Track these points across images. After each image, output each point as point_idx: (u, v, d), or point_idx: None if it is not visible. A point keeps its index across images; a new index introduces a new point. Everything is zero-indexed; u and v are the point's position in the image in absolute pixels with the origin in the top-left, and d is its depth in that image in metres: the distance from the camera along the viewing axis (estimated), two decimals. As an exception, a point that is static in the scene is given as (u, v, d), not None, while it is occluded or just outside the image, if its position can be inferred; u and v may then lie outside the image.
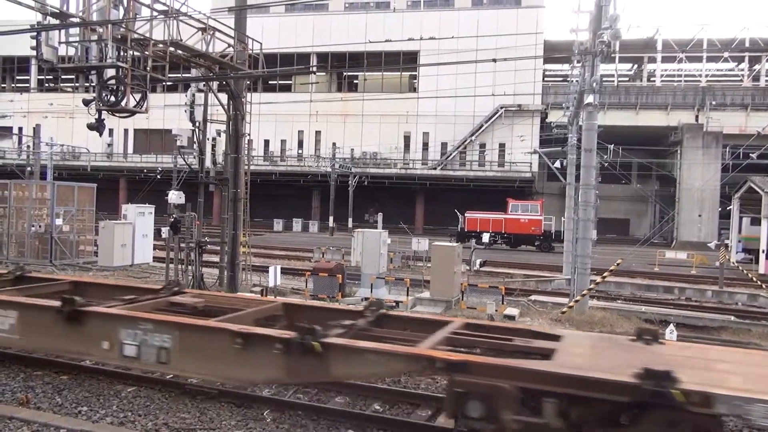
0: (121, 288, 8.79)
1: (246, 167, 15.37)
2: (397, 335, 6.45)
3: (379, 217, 43.20)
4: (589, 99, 14.64)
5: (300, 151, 53.74)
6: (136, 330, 6.15)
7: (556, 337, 6.20)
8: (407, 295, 14.86)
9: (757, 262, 29.30)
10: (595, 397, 4.66)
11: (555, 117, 42.98)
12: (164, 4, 12.18)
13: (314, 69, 52.38)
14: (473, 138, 49.82)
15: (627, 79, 57.93)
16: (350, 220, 48.02)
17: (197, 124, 14.79)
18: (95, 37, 11.17)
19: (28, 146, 46.97)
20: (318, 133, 53.22)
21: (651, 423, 4.58)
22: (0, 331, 6.80)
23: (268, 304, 7.61)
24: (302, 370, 5.64)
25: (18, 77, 61.33)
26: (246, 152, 15.47)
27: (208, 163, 15.07)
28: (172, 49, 12.15)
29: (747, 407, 4.33)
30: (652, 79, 51.82)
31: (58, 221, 20.50)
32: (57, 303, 6.53)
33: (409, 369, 5.50)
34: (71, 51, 11.44)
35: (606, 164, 34.89)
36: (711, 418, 4.49)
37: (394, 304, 14.30)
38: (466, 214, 38.86)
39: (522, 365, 4.97)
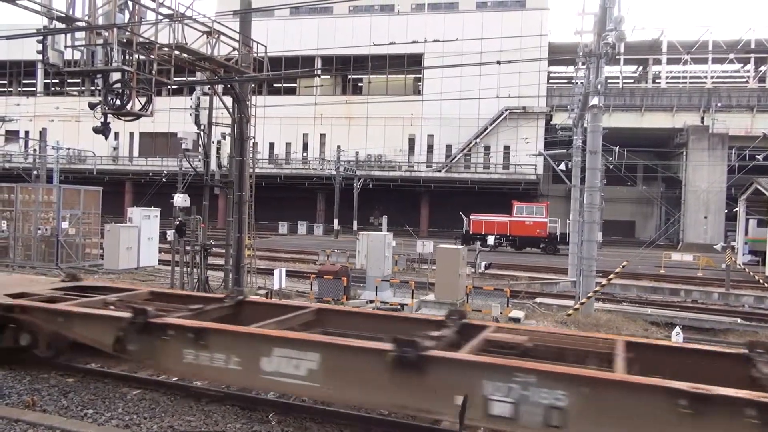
0: (383, 318, 7.53)
1: (251, 170, 15.40)
2: None
3: (384, 219, 43.25)
4: (594, 101, 14.62)
5: (305, 154, 53.83)
6: (509, 383, 4.86)
7: None
8: (412, 297, 14.86)
9: (763, 264, 29.16)
10: None
11: (560, 119, 42.95)
12: (169, 7, 12.22)
13: (319, 72, 52.51)
14: (478, 140, 49.82)
15: (632, 80, 57.87)
16: (355, 222, 48.05)
17: (202, 127, 14.83)
18: (101, 41, 11.23)
19: (35, 150, 47.15)
20: (323, 135, 53.32)
21: None
22: (291, 377, 5.57)
23: (605, 342, 6.03)
24: None
25: (24, 81, 61.73)
26: (251, 155, 15.51)
27: (213, 166, 15.11)
28: (177, 52, 12.20)
29: None
30: (657, 80, 51.72)
31: (64, 224, 20.58)
32: (388, 345, 5.28)
33: None
34: (77, 55, 11.51)
35: (611, 166, 34.81)
36: None
37: (399, 306, 14.30)
38: (470, 217, 38.83)
39: None
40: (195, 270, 14.69)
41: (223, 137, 15.84)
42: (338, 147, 49.37)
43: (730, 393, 4.26)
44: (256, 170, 17.65)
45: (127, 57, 11.42)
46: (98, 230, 22.36)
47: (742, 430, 4.12)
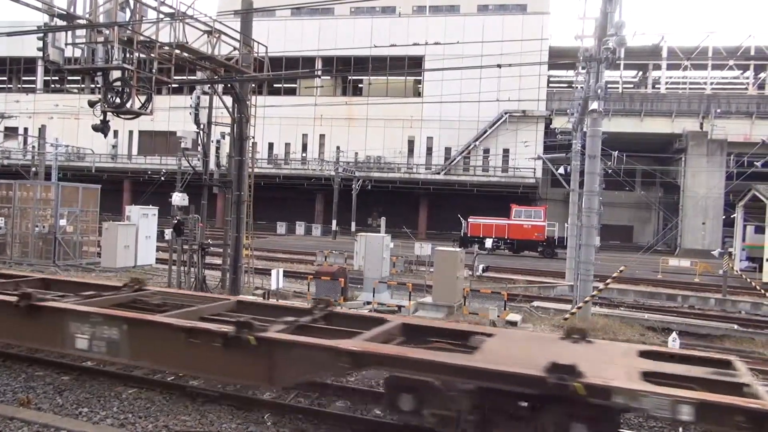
0: None
1: (250, 170, 15.40)
2: None
3: (382, 221, 43.31)
4: (594, 105, 14.62)
5: (304, 155, 53.82)
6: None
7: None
8: (409, 299, 14.84)
9: (760, 270, 29.18)
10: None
11: (559, 123, 42.95)
12: (170, 6, 12.23)
13: (319, 72, 52.53)
14: (477, 143, 49.84)
15: (632, 86, 57.93)
16: (353, 224, 48.04)
17: (202, 126, 14.83)
18: (102, 39, 11.23)
19: (33, 147, 47.14)
20: (322, 136, 53.32)
21: None
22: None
23: None
24: None
25: (24, 78, 61.60)
26: (250, 155, 15.50)
27: (212, 165, 15.11)
28: (177, 51, 12.19)
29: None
30: (657, 86, 51.79)
31: (62, 222, 20.55)
32: None
33: None
34: (77, 52, 11.50)
35: (610, 171, 34.81)
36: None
37: (396, 308, 14.28)
38: (469, 220, 38.84)
39: None
40: (192, 269, 14.67)
41: (223, 137, 15.85)
42: (337, 148, 49.36)
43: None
44: (255, 170, 17.63)
45: (128, 55, 11.42)
46: (96, 228, 22.34)
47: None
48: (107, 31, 11.17)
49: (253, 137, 15.37)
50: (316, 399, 7.10)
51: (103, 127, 11.93)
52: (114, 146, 55.33)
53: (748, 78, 51.38)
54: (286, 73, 45.02)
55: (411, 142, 51.82)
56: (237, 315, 7.05)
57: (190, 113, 14.84)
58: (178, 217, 14.57)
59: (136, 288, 8.18)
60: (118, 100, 11.53)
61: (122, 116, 12.11)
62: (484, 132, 49.51)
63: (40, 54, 11.22)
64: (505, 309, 14.13)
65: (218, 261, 17.21)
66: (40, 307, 6.73)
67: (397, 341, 6.41)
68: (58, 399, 6.81)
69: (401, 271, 24.02)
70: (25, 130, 55.75)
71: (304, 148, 53.93)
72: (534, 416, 5.03)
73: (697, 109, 47.74)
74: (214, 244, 16.33)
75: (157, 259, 22.02)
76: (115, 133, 53.14)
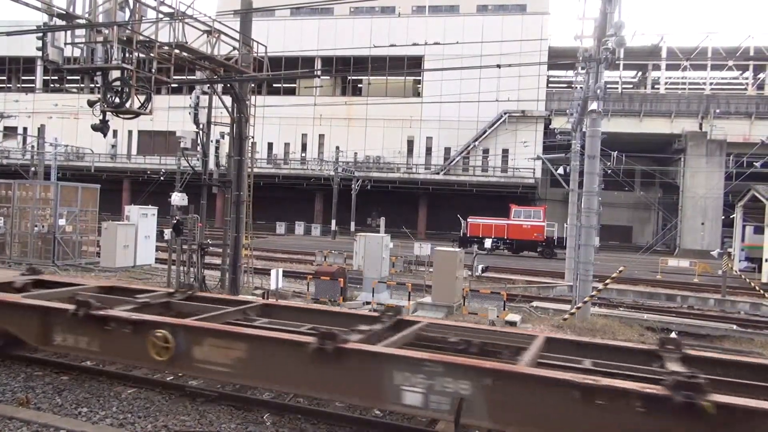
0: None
1: (249, 170, 15.40)
2: None
3: (382, 221, 43.30)
4: (593, 106, 14.64)
5: (303, 155, 53.83)
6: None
7: None
8: (409, 299, 14.85)
9: (760, 270, 29.23)
10: None
11: (559, 123, 42.98)
12: (170, 6, 12.23)
13: (319, 72, 52.55)
14: (477, 143, 49.87)
15: (631, 86, 57.97)
16: (353, 223, 48.04)
17: (201, 126, 14.82)
18: (101, 39, 11.23)
19: (33, 146, 47.10)
20: (322, 136, 53.33)
21: None
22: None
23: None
24: None
25: (23, 77, 61.62)
26: (249, 155, 15.50)
27: (211, 165, 15.10)
28: (177, 51, 12.20)
29: None
30: (656, 86, 51.83)
31: (62, 222, 20.54)
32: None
33: None
34: (77, 52, 11.50)
35: (609, 171, 34.85)
36: None
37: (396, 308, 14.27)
38: (468, 220, 38.86)
39: None
40: (192, 269, 14.66)
41: (222, 136, 15.84)
42: (337, 148, 49.38)
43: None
44: (255, 170, 17.64)
45: (127, 55, 11.42)
46: (95, 228, 22.33)
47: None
48: (106, 31, 11.17)
49: (253, 137, 15.39)
50: (315, 399, 7.09)
51: (102, 127, 11.93)
52: (113, 146, 55.33)
53: (747, 78, 51.42)
54: (285, 73, 45.03)
55: (410, 142, 51.85)
56: (561, 357, 5.91)
57: (190, 113, 14.83)
58: (177, 217, 14.56)
59: (397, 320, 6.78)
60: (117, 100, 11.54)
61: (121, 116, 12.11)
62: (484, 132, 49.54)
63: (40, 53, 11.22)
64: (504, 309, 14.14)
65: (218, 261, 17.21)
66: (345, 351, 5.35)
67: None
68: (58, 399, 6.80)
69: (400, 271, 24.04)
70: (25, 129, 55.75)
71: (304, 148, 53.94)
72: None
73: (696, 110, 47.79)
74: (214, 243, 16.33)
75: (156, 258, 22.01)
76: (115, 132, 53.17)
